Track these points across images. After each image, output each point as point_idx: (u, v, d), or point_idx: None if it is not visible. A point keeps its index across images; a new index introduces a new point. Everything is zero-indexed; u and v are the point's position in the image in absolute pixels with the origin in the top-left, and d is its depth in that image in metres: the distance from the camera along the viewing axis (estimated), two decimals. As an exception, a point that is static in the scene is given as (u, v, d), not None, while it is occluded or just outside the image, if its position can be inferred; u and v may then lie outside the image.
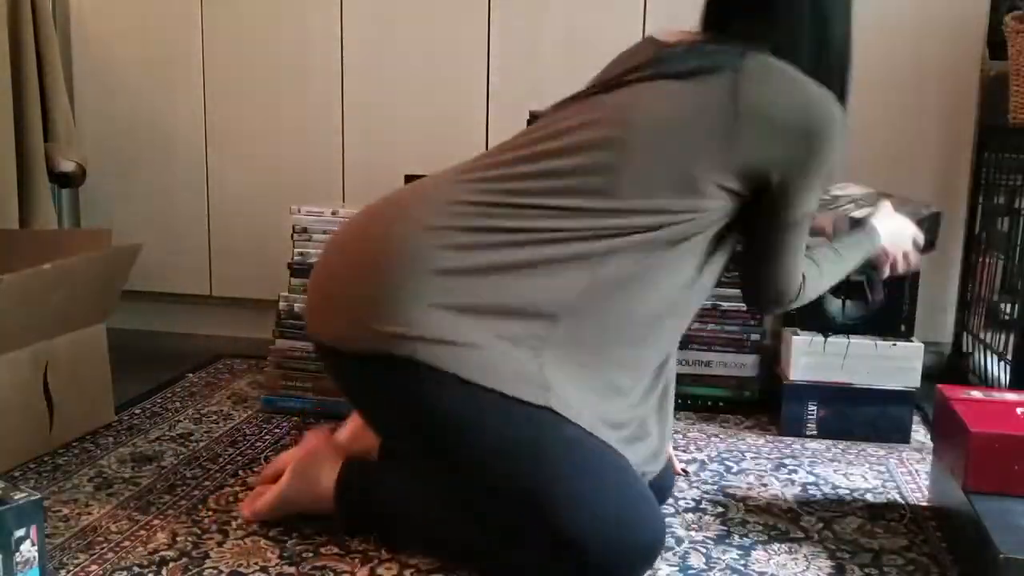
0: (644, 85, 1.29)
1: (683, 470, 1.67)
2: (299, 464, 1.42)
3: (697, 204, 1.26)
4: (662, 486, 1.46)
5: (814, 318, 1.89)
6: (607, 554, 1.20)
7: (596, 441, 1.25)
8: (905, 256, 1.60)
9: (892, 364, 1.87)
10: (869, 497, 1.60)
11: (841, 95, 1.33)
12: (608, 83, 1.33)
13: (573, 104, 1.34)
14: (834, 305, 1.90)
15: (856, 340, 1.88)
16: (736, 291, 1.98)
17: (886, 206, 1.62)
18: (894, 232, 1.58)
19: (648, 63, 1.31)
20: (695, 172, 1.24)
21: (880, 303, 1.87)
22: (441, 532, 1.33)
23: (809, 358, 1.89)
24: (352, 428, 1.52)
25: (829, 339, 1.88)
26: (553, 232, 1.23)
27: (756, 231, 1.33)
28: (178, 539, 1.38)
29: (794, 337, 1.89)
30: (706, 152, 1.25)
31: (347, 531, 1.39)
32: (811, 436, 1.89)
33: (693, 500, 1.57)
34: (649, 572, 1.31)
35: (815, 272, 1.41)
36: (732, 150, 1.24)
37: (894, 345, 1.88)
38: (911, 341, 1.89)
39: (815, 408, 1.89)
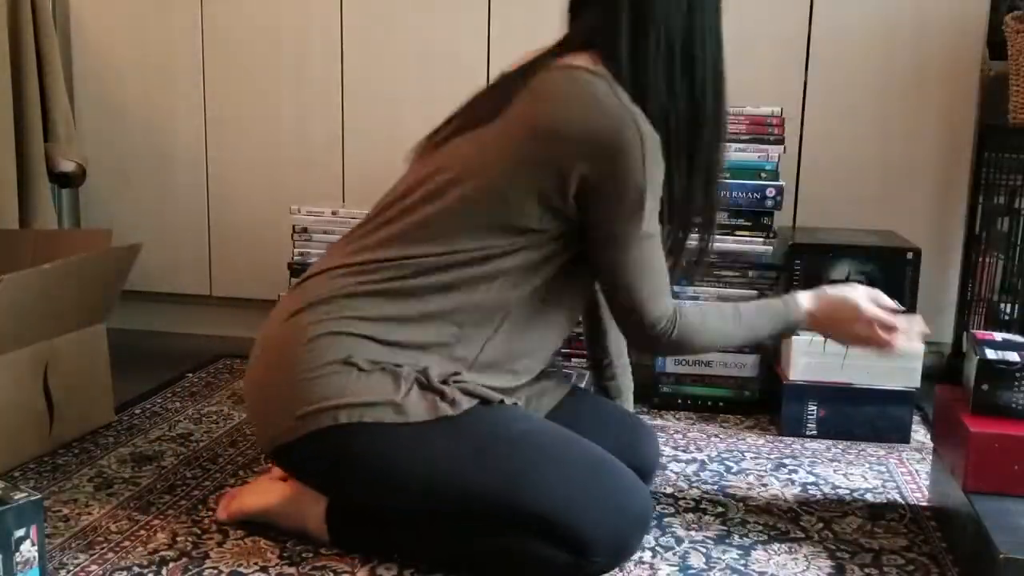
0: (461, 139, 1.34)
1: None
2: (291, 488, 1.41)
3: (520, 241, 1.29)
4: (643, 466, 1.46)
5: None
6: (601, 531, 1.25)
7: (547, 426, 1.34)
8: (882, 325, 1.40)
9: (892, 364, 1.87)
10: (869, 497, 1.60)
11: (691, 91, 1.31)
12: (438, 134, 1.39)
13: (419, 158, 1.41)
14: None
15: None
16: (735, 291, 2.01)
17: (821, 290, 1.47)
18: (831, 298, 1.42)
19: (460, 113, 1.39)
20: (515, 208, 1.28)
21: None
22: (440, 549, 1.32)
23: (809, 358, 1.89)
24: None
25: (828, 339, 1.88)
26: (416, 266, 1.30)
27: (592, 260, 1.33)
28: (178, 539, 1.38)
29: (794, 337, 1.89)
30: (522, 180, 1.27)
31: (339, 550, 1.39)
32: (811, 436, 1.88)
33: (693, 500, 1.57)
34: (649, 572, 1.31)
35: (697, 317, 1.35)
36: (539, 169, 1.27)
37: (895, 345, 1.88)
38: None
39: (815, 408, 1.89)
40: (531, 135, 1.27)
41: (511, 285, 1.31)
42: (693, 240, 1.41)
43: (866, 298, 1.41)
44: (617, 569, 1.31)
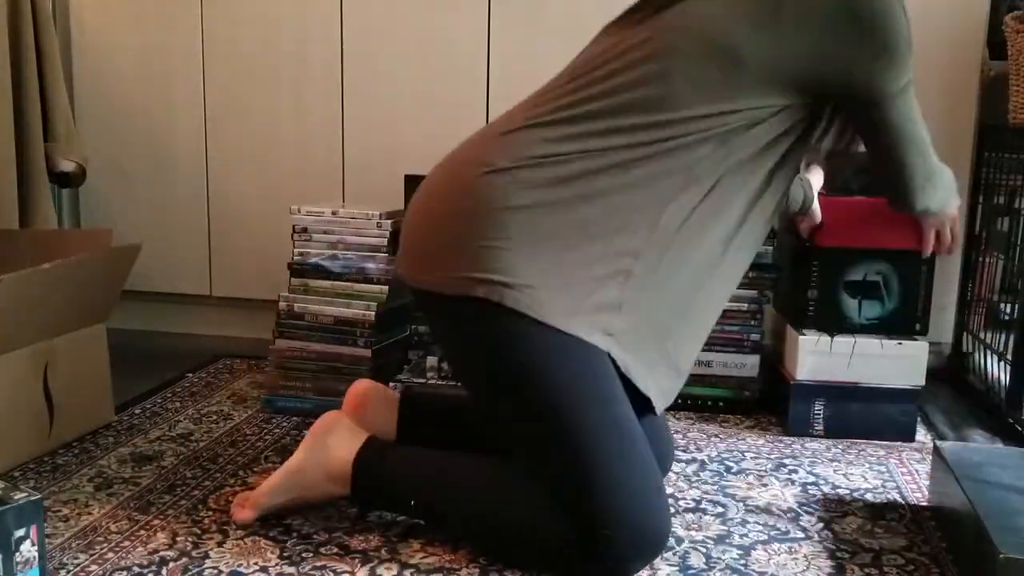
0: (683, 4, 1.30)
1: None
2: (316, 432, 1.42)
3: (755, 102, 1.26)
4: (659, 453, 1.45)
5: (829, 318, 1.90)
6: (627, 539, 1.24)
7: (632, 425, 1.28)
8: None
9: (898, 362, 1.88)
10: (869, 497, 1.60)
11: None
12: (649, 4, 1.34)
13: (618, 30, 1.37)
14: (850, 305, 1.91)
15: (862, 339, 1.88)
16: (736, 291, 2.00)
17: None
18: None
19: None
20: (749, 67, 1.25)
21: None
22: (460, 509, 1.34)
23: (815, 357, 1.89)
24: (354, 400, 1.53)
25: (835, 338, 1.88)
26: (623, 150, 1.26)
27: (865, 143, 1.38)
28: (178, 539, 1.38)
29: (800, 337, 1.89)
30: (757, 46, 1.24)
31: (359, 507, 1.41)
32: (818, 435, 1.89)
33: (693, 500, 1.57)
34: (649, 572, 1.31)
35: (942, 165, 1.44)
36: (782, 43, 1.24)
37: (900, 344, 1.88)
38: (915, 339, 1.90)
39: (822, 407, 1.89)
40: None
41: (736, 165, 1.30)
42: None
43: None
44: (617, 569, 1.31)
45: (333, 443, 1.40)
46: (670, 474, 1.67)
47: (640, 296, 1.29)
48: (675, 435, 1.88)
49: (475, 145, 1.36)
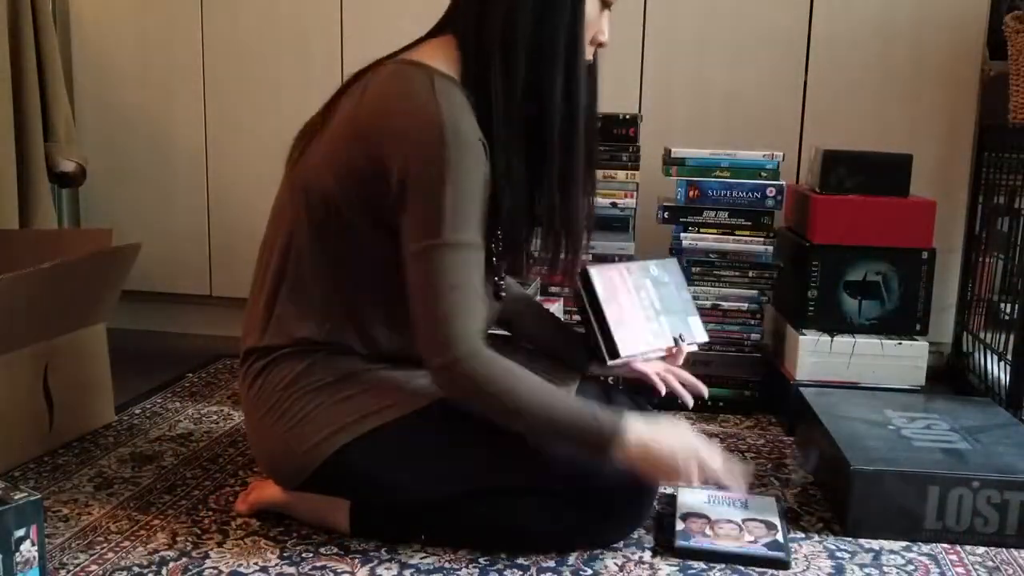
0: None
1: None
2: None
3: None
4: None
5: (829, 318, 1.90)
6: (619, 500, 1.33)
7: None
8: (682, 476, 1.26)
9: (898, 363, 1.88)
10: (869, 497, 1.60)
11: (537, 88, 1.24)
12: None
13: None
14: (850, 305, 1.91)
15: (862, 339, 1.88)
16: (735, 291, 2.01)
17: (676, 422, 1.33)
18: (659, 446, 1.25)
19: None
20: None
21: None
22: (463, 526, 1.36)
23: (816, 358, 1.89)
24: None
25: (835, 339, 1.88)
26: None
27: (405, 264, 1.23)
28: (178, 539, 1.38)
29: (800, 337, 1.89)
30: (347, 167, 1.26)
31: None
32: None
33: (693, 500, 1.57)
34: (649, 572, 1.31)
35: (507, 367, 1.22)
36: (359, 155, 1.24)
37: (899, 344, 1.88)
38: (916, 340, 1.90)
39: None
40: (352, 135, 1.25)
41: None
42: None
43: (701, 448, 1.28)
44: (618, 569, 1.31)
45: (321, 510, 1.40)
46: (670, 474, 1.67)
47: None
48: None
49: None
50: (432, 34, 1.32)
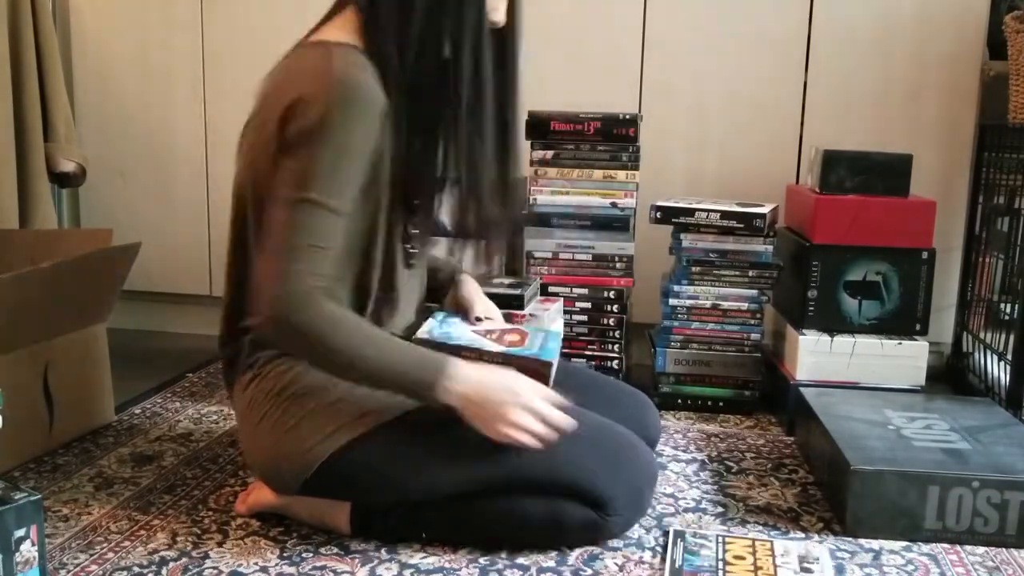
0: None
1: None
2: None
3: None
4: (648, 436, 1.52)
5: (829, 318, 1.90)
6: (619, 490, 1.33)
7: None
8: (506, 419, 1.24)
9: (898, 362, 1.88)
10: (869, 497, 1.60)
11: (438, 50, 1.25)
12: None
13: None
14: (850, 305, 1.91)
15: (862, 339, 1.88)
16: (735, 290, 2.01)
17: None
18: (488, 381, 1.25)
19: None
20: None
21: None
22: (469, 522, 1.36)
23: (816, 357, 1.89)
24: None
25: (835, 338, 1.88)
26: None
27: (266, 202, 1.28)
28: (178, 539, 1.38)
29: (800, 337, 1.89)
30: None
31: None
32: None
33: (693, 500, 1.57)
34: (649, 572, 1.31)
35: (341, 316, 1.22)
36: (270, 139, 1.28)
37: (899, 344, 1.88)
38: (916, 340, 1.90)
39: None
40: (260, 124, 1.30)
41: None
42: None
43: (523, 393, 1.27)
44: (618, 569, 1.31)
45: (321, 510, 1.41)
46: (669, 474, 1.67)
47: None
48: (675, 435, 1.88)
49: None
50: (334, 11, 1.33)
